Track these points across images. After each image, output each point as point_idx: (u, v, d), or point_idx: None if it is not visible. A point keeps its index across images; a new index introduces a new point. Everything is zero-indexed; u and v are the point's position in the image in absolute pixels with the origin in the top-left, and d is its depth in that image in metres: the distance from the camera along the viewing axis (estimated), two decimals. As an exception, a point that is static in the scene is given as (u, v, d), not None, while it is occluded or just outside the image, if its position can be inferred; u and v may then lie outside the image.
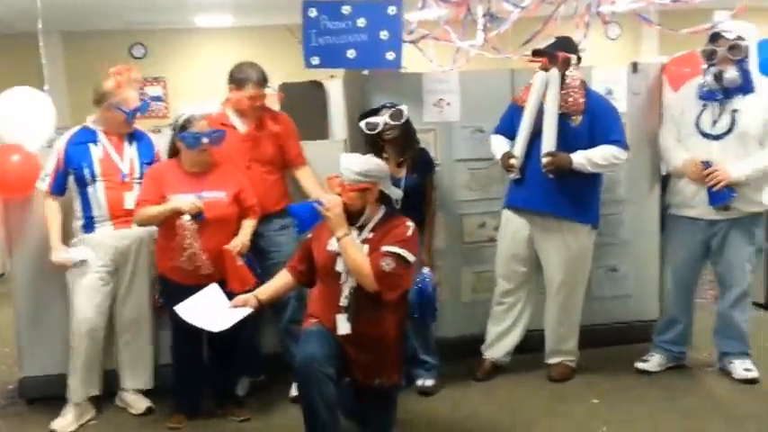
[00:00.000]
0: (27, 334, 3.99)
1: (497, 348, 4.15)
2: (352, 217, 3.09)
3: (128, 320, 3.85)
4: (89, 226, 3.71)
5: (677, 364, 4.15)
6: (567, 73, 3.78)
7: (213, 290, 3.40)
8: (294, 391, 3.85)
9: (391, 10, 4.10)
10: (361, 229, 3.12)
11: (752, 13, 5.09)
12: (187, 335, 3.62)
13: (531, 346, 4.21)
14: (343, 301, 3.05)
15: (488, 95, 4.18)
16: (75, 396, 3.76)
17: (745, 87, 3.75)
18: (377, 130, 3.76)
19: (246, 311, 3.23)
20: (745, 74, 3.74)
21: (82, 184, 3.69)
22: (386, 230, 3.09)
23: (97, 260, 3.68)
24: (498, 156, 3.97)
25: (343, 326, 3.04)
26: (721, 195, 3.77)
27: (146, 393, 3.93)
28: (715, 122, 3.80)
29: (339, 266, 3.06)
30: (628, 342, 4.38)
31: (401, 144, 3.84)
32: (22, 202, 3.87)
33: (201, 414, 3.79)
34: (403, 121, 3.78)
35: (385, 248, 3.01)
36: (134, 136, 3.84)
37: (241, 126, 3.86)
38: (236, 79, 3.81)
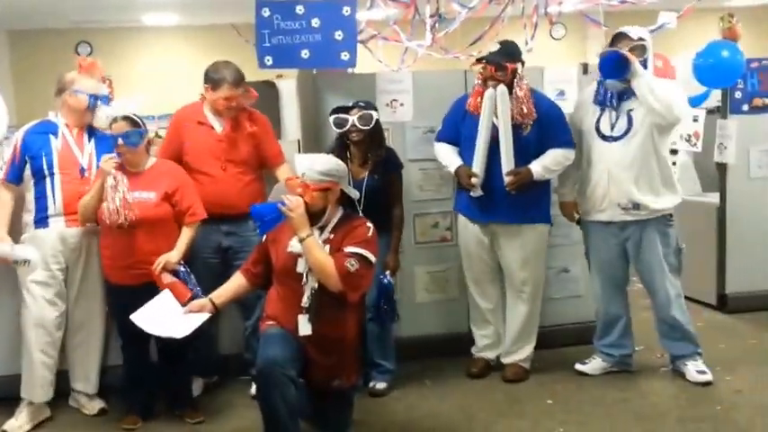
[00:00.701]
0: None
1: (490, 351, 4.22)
2: (313, 217, 3.09)
3: (79, 322, 3.80)
4: (41, 221, 3.65)
5: (623, 369, 4.15)
6: (516, 84, 3.82)
7: (167, 296, 3.38)
8: (255, 390, 3.85)
9: (345, 10, 4.12)
10: (321, 229, 3.14)
11: (698, 14, 5.23)
12: (133, 336, 3.60)
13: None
14: (305, 302, 3.05)
15: (441, 96, 4.21)
16: (29, 395, 3.70)
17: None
18: (344, 129, 3.79)
19: (204, 317, 3.23)
20: None
21: (38, 176, 3.63)
22: (346, 231, 3.11)
23: (47, 257, 3.62)
24: (452, 168, 4.00)
25: (305, 327, 3.05)
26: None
27: (99, 393, 3.88)
28: (613, 126, 3.86)
29: (300, 267, 3.07)
30: (580, 343, 4.40)
31: (367, 144, 3.86)
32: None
33: (155, 415, 3.76)
34: (371, 125, 3.80)
35: (349, 249, 3.04)
36: (94, 134, 3.78)
37: (218, 126, 3.84)
38: (212, 79, 3.79)
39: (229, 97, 3.76)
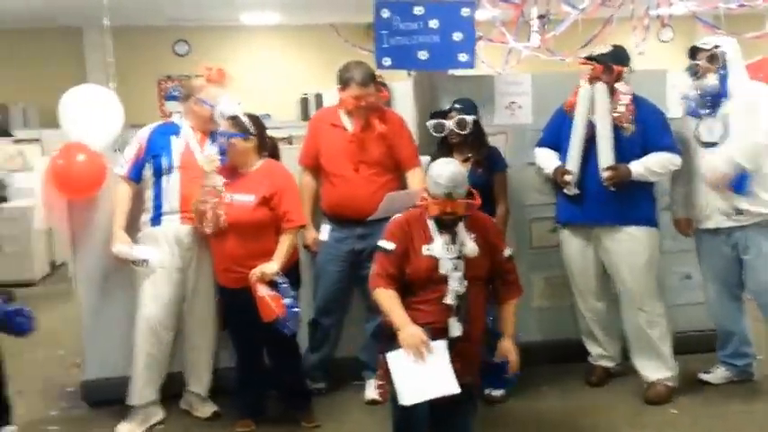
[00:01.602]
0: (91, 335, 3.94)
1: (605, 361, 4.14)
2: (455, 222, 3.02)
3: (195, 322, 3.79)
4: (157, 218, 3.67)
5: (746, 378, 4.05)
6: (616, 85, 3.78)
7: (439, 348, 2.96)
8: (370, 394, 3.82)
9: (465, 12, 4.11)
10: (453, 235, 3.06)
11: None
12: (244, 338, 3.64)
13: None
14: (452, 303, 2.97)
15: (561, 98, 4.06)
16: (135, 399, 3.70)
17: (723, 93, 3.79)
18: (442, 134, 3.82)
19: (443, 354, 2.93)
20: (722, 80, 3.79)
21: (158, 174, 3.65)
22: (478, 226, 3.09)
23: (164, 255, 3.63)
24: (549, 170, 3.95)
25: (455, 328, 2.97)
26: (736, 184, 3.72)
27: (211, 397, 3.87)
28: (711, 131, 3.83)
29: (443, 269, 2.99)
30: (703, 351, 4.24)
31: (469, 145, 3.86)
32: (88, 200, 3.82)
33: (270, 419, 3.74)
34: (468, 130, 3.79)
35: (502, 253, 3.13)
36: (216, 136, 3.74)
37: (350, 127, 3.81)
38: (342, 79, 3.78)
39: (358, 96, 3.71)
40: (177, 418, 3.82)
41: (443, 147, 3.88)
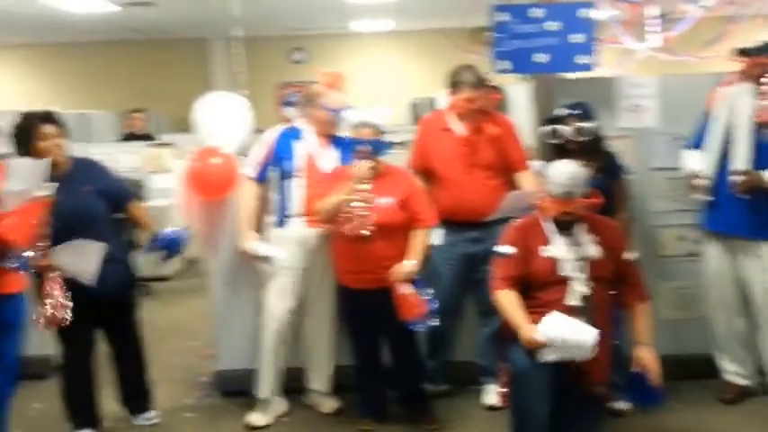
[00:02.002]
0: (223, 328, 4.14)
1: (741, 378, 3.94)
2: (573, 222, 3.04)
3: (317, 322, 3.92)
4: (282, 221, 3.80)
5: None
6: (762, 80, 3.56)
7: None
8: (490, 399, 3.84)
9: (584, 12, 4.02)
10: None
11: None
12: (364, 338, 3.72)
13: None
14: (575, 304, 2.97)
15: (690, 101, 3.96)
16: (262, 391, 3.87)
17: None
18: (560, 141, 3.69)
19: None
20: None
21: (284, 177, 3.79)
22: (597, 229, 3.06)
23: (288, 257, 3.75)
24: (687, 174, 3.82)
25: None
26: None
27: (335, 392, 3.98)
28: None
29: (565, 270, 3.00)
30: None
31: (587, 151, 3.71)
32: (221, 200, 4.00)
33: (391, 419, 3.80)
34: (586, 138, 3.67)
35: (625, 256, 3.09)
36: (339, 140, 3.87)
37: (460, 130, 3.85)
38: (452, 82, 3.81)
39: (469, 99, 3.75)
40: (302, 412, 3.95)
41: (559, 152, 3.69)
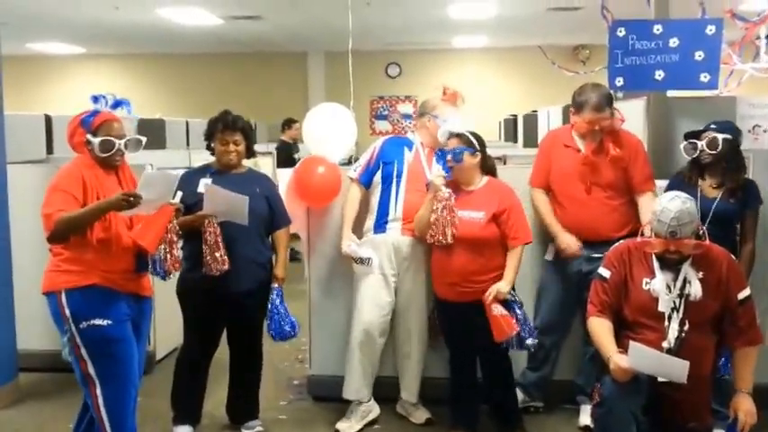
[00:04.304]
0: (317, 334, 4.17)
1: None
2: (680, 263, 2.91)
3: (408, 331, 3.90)
4: (380, 226, 3.81)
5: None
6: None
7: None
8: (584, 420, 3.76)
9: (710, 29, 3.97)
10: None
11: None
12: (460, 350, 3.68)
13: None
14: (669, 344, 2.86)
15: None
16: (347, 393, 3.88)
17: None
18: (693, 156, 3.62)
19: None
20: None
21: (387, 182, 3.81)
22: (707, 264, 2.90)
23: (382, 262, 3.76)
24: None
25: None
26: None
27: (426, 403, 3.96)
28: None
29: (662, 307, 2.89)
30: None
31: (721, 169, 3.61)
32: (324, 207, 4.06)
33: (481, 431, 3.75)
34: (720, 149, 3.55)
35: (739, 295, 2.90)
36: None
37: (582, 148, 3.78)
38: (576, 102, 3.74)
39: (592, 121, 3.67)
40: (393, 421, 3.94)
41: (694, 168, 3.66)
